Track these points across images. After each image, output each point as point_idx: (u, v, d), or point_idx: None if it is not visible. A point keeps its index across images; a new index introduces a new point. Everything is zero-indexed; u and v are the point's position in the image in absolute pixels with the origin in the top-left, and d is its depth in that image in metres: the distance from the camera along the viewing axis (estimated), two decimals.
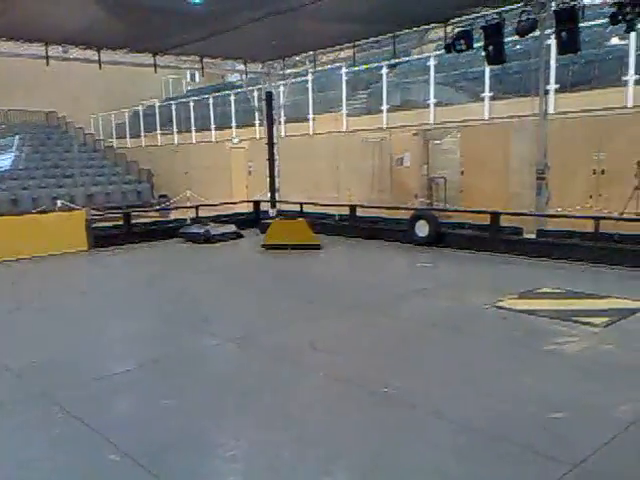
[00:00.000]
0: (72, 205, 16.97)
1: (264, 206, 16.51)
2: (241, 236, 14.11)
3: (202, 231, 13.57)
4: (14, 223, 12.40)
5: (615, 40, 13.60)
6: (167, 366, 5.61)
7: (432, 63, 16.15)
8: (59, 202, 17.21)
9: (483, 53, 13.28)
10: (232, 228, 14.14)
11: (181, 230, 13.99)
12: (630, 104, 12.35)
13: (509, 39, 11.32)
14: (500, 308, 6.98)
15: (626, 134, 12.02)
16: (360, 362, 5.46)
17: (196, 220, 14.66)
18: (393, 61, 17.39)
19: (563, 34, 9.94)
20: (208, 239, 13.39)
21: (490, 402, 4.47)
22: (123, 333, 6.88)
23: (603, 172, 12.69)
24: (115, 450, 3.95)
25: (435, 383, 4.89)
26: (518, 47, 14.82)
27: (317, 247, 12.04)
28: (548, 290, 7.77)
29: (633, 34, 12.24)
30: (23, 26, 11.10)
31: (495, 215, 11.01)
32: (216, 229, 13.81)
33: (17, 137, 24.20)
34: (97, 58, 13.08)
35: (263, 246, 12.26)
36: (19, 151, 23.41)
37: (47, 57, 12.49)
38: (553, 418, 4.16)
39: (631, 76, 12.44)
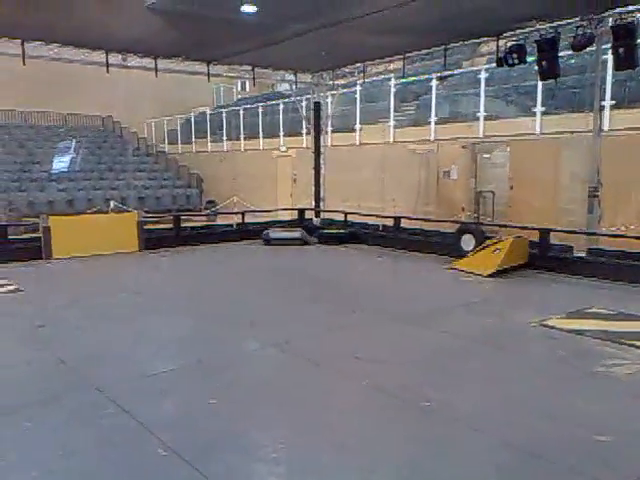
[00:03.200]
0: (124, 207, 17.54)
1: (308, 214, 16.66)
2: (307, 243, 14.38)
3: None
4: (70, 223, 12.93)
5: None
6: (213, 367, 5.75)
7: (483, 76, 16.03)
8: (112, 203, 17.83)
9: (536, 67, 13.22)
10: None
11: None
12: None
13: (562, 53, 11.14)
14: (547, 327, 6.86)
15: None
16: (402, 374, 5.46)
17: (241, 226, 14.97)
18: (443, 73, 17.33)
19: (620, 50, 9.73)
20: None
21: (534, 421, 4.42)
22: (171, 333, 7.07)
23: None
24: (161, 445, 4.09)
25: (478, 399, 4.85)
26: (572, 62, 14.56)
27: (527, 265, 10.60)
28: (597, 310, 7.58)
29: None
30: (85, 34, 11.59)
31: (544, 232, 10.80)
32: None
33: (74, 140, 25.20)
34: (153, 66, 13.55)
35: (490, 275, 10.06)
36: (76, 153, 24.36)
37: (107, 64, 13.00)
38: (599, 441, 4.08)
39: None
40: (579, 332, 6.57)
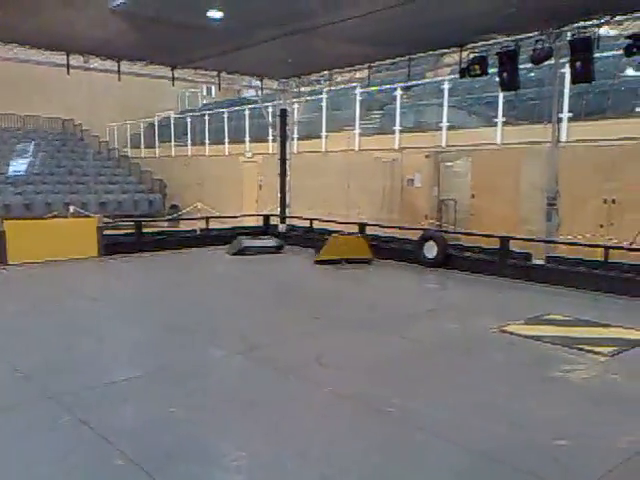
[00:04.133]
0: (84, 212, 17.15)
1: (273, 220, 16.61)
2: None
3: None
4: (26, 227, 12.55)
5: (631, 71, 13.72)
6: (174, 375, 5.65)
7: (446, 86, 16.31)
8: (71, 208, 17.41)
9: (497, 79, 13.53)
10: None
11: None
12: None
13: (523, 66, 11.44)
14: (506, 333, 6.99)
15: (639, 165, 12.07)
16: (366, 380, 5.47)
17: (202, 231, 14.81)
18: (407, 83, 17.58)
19: (577, 64, 10.04)
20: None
21: (495, 426, 4.47)
22: (131, 340, 6.94)
23: (614, 201, 12.71)
24: (120, 455, 3.98)
25: (440, 405, 4.89)
26: (532, 75, 14.96)
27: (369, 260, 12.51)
28: (555, 317, 7.77)
29: None
30: (46, 34, 11.33)
31: (504, 239, 11.03)
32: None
33: (33, 142, 24.55)
34: (116, 69, 13.33)
35: (317, 262, 12.27)
36: (34, 156, 23.74)
37: (68, 66, 12.73)
38: (557, 445, 4.16)
39: None
40: (537, 338, 6.71)
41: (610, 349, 6.26)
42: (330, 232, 13.57)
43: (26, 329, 7.34)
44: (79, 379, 5.49)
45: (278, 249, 14.19)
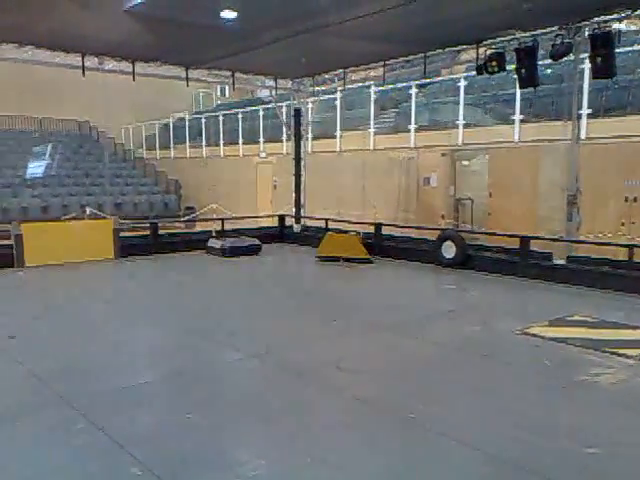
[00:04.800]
0: (100, 213, 17.20)
1: (289, 221, 16.52)
2: (260, 249, 14.00)
3: (224, 245, 13.55)
4: (43, 229, 12.60)
5: None
6: (190, 379, 5.56)
7: (462, 84, 16.11)
8: (88, 210, 17.47)
9: (515, 76, 13.30)
10: (255, 241, 14.11)
11: (207, 243, 14.01)
12: None
13: (540, 62, 11.22)
14: (530, 335, 6.81)
15: None
16: (387, 385, 5.34)
17: (221, 233, 14.73)
18: (422, 81, 17.41)
19: (598, 59, 9.81)
20: (224, 252, 13.34)
21: (521, 433, 4.32)
22: (147, 343, 6.89)
23: (635, 200, 12.45)
24: (136, 462, 3.90)
25: (464, 411, 4.76)
26: (549, 71, 14.71)
27: (369, 261, 12.50)
28: (579, 318, 7.56)
29: None
30: (61, 36, 11.34)
31: (525, 239, 10.81)
32: (235, 242, 13.78)
33: (50, 145, 24.71)
34: (131, 70, 13.32)
35: (318, 257, 12.78)
36: (51, 159, 23.89)
37: (83, 67, 12.73)
38: (588, 453, 4.00)
39: None
40: (562, 340, 6.53)
41: (638, 352, 6.06)
42: (345, 232, 13.51)
43: (42, 332, 7.32)
44: (94, 383, 5.43)
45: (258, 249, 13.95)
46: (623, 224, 12.29)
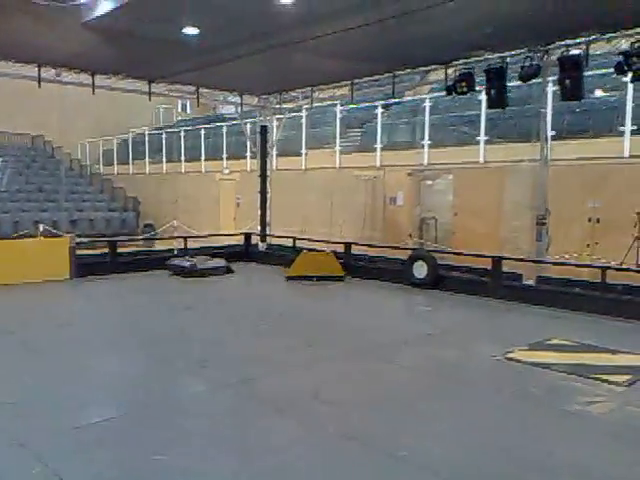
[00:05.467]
0: (55, 231, 16.40)
1: (254, 239, 16.12)
2: (231, 271, 13.58)
3: (187, 265, 13.03)
4: None
5: (599, 92, 13.74)
6: (157, 413, 5.11)
7: (427, 104, 16.19)
8: (41, 227, 16.65)
9: (484, 97, 13.39)
10: (222, 262, 13.63)
11: (167, 262, 13.45)
12: (627, 154, 12.36)
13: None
14: (511, 360, 6.62)
15: (621, 183, 12.00)
16: (371, 418, 5.02)
17: (184, 252, 14.21)
18: (388, 101, 17.44)
19: (567, 81, 9.91)
20: (192, 272, 12.81)
21: (518, 471, 4.06)
22: (108, 373, 6.36)
23: (598, 221, 12.61)
24: None
25: (455, 446, 4.47)
26: (510, 94, 14.91)
27: (341, 279, 12.50)
28: (558, 342, 7.43)
29: (630, 85, 12.38)
30: (16, 46, 10.79)
31: (497, 260, 10.74)
32: (203, 263, 13.30)
33: (0, 159, 23.67)
34: (90, 82, 12.79)
35: (288, 277, 12.45)
36: (1, 173, 22.84)
37: (39, 79, 12.15)
38: None
39: (628, 126, 12.48)
40: (546, 366, 6.35)
41: (625, 378, 5.92)
42: (317, 251, 13.25)
43: None
44: (50, 421, 4.90)
45: (228, 270, 13.51)
46: (588, 245, 12.41)
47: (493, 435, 4.69)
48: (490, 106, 11.45)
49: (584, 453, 4.37)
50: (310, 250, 13.33)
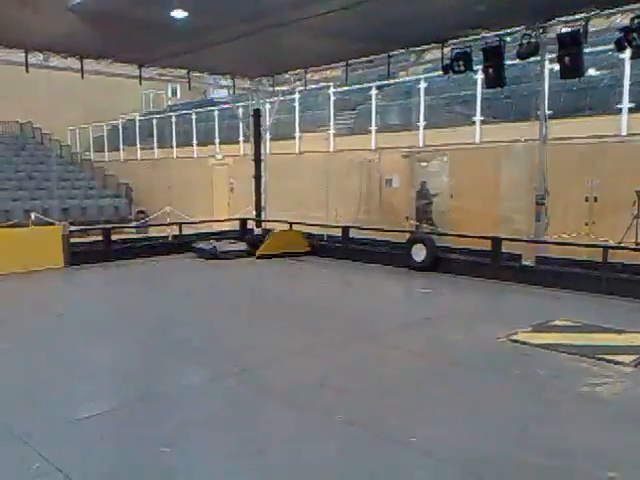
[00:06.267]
0: (47, 219, 16.16)
1: (250, 224, 15.96)
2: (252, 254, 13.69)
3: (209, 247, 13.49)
4: None
5: (592, 71, 13.57)
6: (158, 405, 5.00)
7: (422, 85, 15.98)
8: (33, 215, 16.37)
9: (481, 75, 13.20)
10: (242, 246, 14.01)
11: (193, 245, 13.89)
12: (624, 132, 12.26)
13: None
14: (516, 342, 6.55)
15: (619, 162, 11.90)
16: (378, 404, 4.93)
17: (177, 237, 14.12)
18: (382, 82, 17.22)
19: (566, 59, 9.75)
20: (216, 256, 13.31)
21: (533, 456, 3.97)
22: (105, 364, 6.23)
23: (596, 200, 12.54)
24: None
25: (465, 431, 4.39)
26: (507, 72, 14.74)
27: (308, 253, 13.53)
28: (562, 323, 7.37)
29: (627, 63, 12.24)
30: (2, 31, 10.50)
31: (496, 241, 10.65)
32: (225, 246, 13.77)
33: None
34: (79, 67, 12.49)
35: (258, 257, 13.14)
36: None
37: (27, 64, 11.85)
38: (609, 478, 3.69)
39: (626, 104, 12.36)
40: (551, 347, 6.29)
41: (632, 358, 5.86)
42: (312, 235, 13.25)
43: None
44: (50, 414, 4.79)
45: (248, 253, 13.78)
46: (587, 224, 12.34)
47: (503, 419, 4.61)
48: (488, 85, 11.26)
49: (597, 436, 4.30)
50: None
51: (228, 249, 13.62)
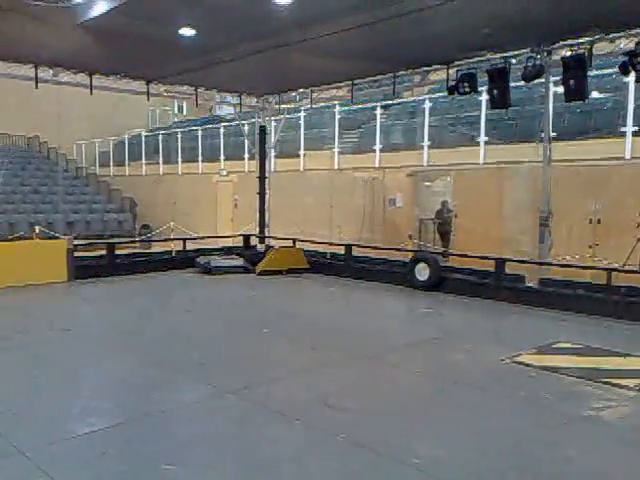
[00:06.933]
0: (51, 232, 16.22)
1: (253, 241, 15.99)
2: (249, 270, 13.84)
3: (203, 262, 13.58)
4: None
5: (596, 94, 13.67)
6: (160, 422, 4.98)
7: (427, 105, 16.10)
8: (37, 229, 16.44)
9: (485, 97, 13.32)
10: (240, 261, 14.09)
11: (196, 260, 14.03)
12: (628, 155, 12.30)
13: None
14: (520, 364, 6.52)
15: (622, 185, 11.93)
16: (381, 424, 4.90)
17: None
18: (387, 102, 17.36)
19: (571, 81, 9.83)
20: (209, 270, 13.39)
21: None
22: (110, 379, 6.22)
23: (599, 222, 12.53)
24: None
25: (469, 453, 4.36)
26: (512, 94, 14.86)
27: (306, 269, 13.71)
28: (565, 345, 7.34)
29: (632, 86, 12.32)
30: (13, 46, 10.65)
31: (500, 262, 10.65)
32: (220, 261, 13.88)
33: None
34: (87, 82, 12.64)
35: (259, 273, 13.29)
36: None
37: (36, 79, 11.99)
38: None
39: (630, 127, 12.42)
40: (555, 369, 6.26)
41: (636, 382, 5.82)
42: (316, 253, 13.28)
43: None
44: (51, 429, 4.76)
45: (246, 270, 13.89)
46: (590, 247, 12.32)
47: (508, 441, 4.58)
48: (493, 107, 11.37)
49: (601, 459, 4.27)
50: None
51: (222, 264, 13.67)
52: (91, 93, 12.76)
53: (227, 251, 15.23)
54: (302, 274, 13.47)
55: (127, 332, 8.25)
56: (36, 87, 12.06)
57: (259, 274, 13.24)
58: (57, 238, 13.83)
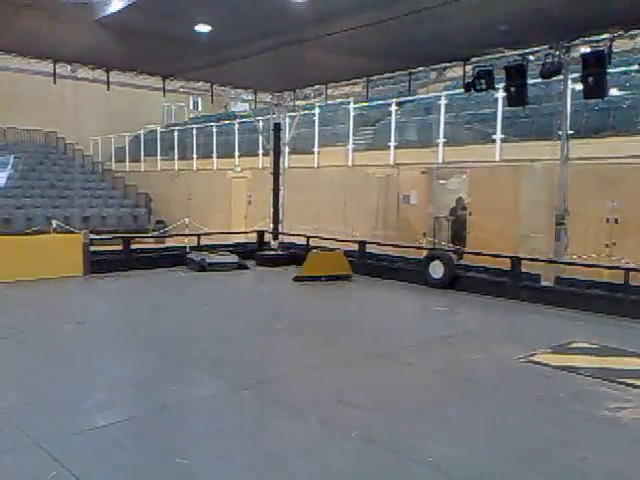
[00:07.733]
0: (68, 227, 16.39)
1: (267, 237, 16.03)
2: (245, 267, 13.58)
3: (198, 259, 13.14)
4: (5, 243, 11.79)
5: (615, 91, 13.48)
6: (175, 416, 5.01)
7: (443, 102, 15.99)
8: (54, 223, 16.62)
9: (502, 94, 13.19)
10: (234, 258, 13.67)
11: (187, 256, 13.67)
12: None
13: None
14: (536, 363, 6.47)
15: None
16: (395, 421, 4.89)
17: (197, 249, 14.19)
18: (402, 99, 17.29)
19: (590, 79, 9.71)
20: (204, 268, 12.97)
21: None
22: (125, 373, 6.28)
23: (617, 221, 12.39)
24: None
25: (484, 452, 4.34)
26: (529, 91, 14.71)
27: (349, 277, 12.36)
28: (582, 345, 7.28)
29: None
30: (31, 42, 10.75)
31: (516, 260, 10.56)
32: (214, 258, 13.43)
33: (12, 155, 23.71)
34: (105, 78, 12.73)
35: (297, 279, 11.97)
36: (14, 169, 22.89)
37: (54, 75, 12.11)
38: None
39: None
40: (572, 369, 6.20)
41: None
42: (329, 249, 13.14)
43: (3, 359, 6.62)
44: (67, 421, 4.82)
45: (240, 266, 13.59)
46: (607, 245, 12.19)
47: (522, 440, 4.55)
48: (510, 104, 11.25)
49: (617, 460, 4.23)
50: (318, 248, 13.24)
51: (216, 261, 13.33)
52: (108, 89, 12.86)
53: (238, 247, 15.23)
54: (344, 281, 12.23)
55: (143, 328, 8.29)
56: (54, 82, 12.17)
57: (295, 280, 11.96)
58: (73, 232, 13.94)
